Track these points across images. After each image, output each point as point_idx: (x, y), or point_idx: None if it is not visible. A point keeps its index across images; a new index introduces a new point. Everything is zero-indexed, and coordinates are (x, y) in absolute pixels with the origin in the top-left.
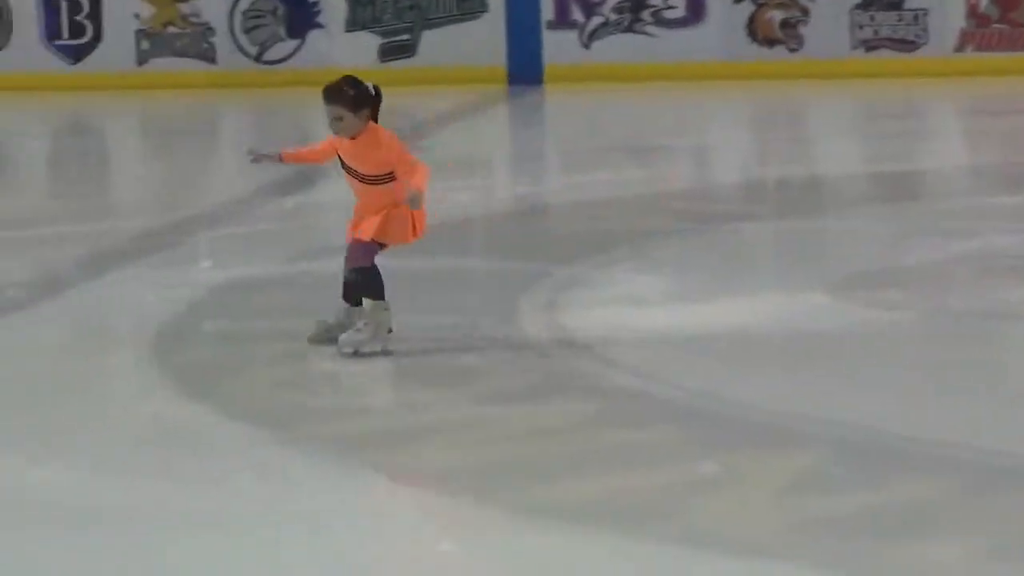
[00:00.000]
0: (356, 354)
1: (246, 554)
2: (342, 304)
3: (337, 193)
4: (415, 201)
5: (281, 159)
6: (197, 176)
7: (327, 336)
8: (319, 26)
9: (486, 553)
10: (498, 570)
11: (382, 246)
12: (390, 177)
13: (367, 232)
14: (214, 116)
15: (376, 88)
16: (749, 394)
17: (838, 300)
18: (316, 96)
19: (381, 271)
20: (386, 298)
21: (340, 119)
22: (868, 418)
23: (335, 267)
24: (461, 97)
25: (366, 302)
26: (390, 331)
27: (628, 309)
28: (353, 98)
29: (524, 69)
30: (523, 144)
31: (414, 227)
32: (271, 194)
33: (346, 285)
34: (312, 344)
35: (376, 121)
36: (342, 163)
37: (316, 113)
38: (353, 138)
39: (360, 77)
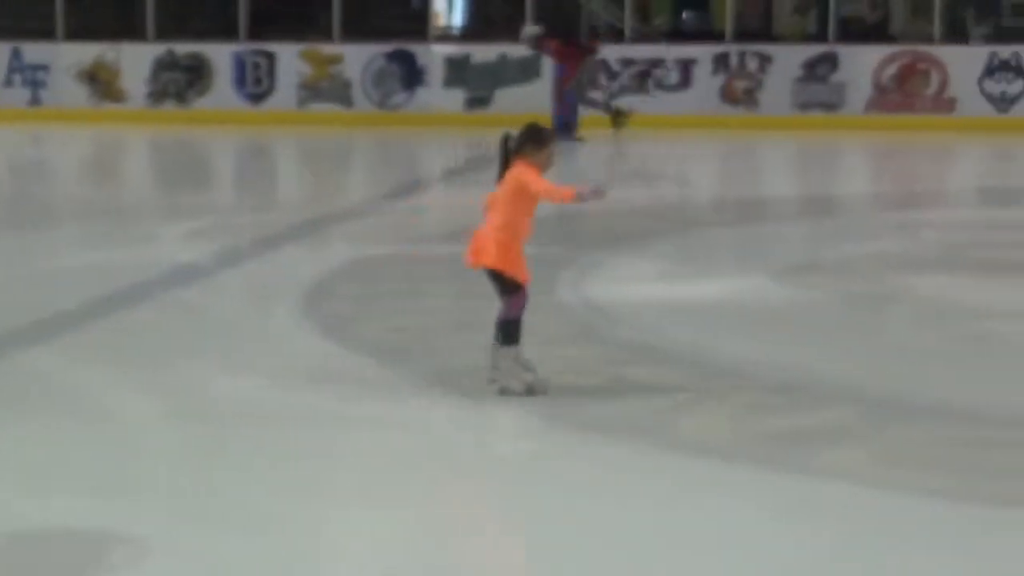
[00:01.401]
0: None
1: (362, 446)
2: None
3: (432, 200)
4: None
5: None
6: (338, 184)
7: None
8: (424, 84)
9: (534, 450)
10: (541, 465)
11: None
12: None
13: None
14: (350, 144)
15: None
16: (715, 345)
17: (776, 282)
18: (423, 132)
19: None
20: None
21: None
22: (798, 363)
23: (433, 250)
24: None
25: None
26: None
27: (630, 284)
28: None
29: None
30: (563, 171)
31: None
32: (387, 198)
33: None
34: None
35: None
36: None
37: (422, 143)
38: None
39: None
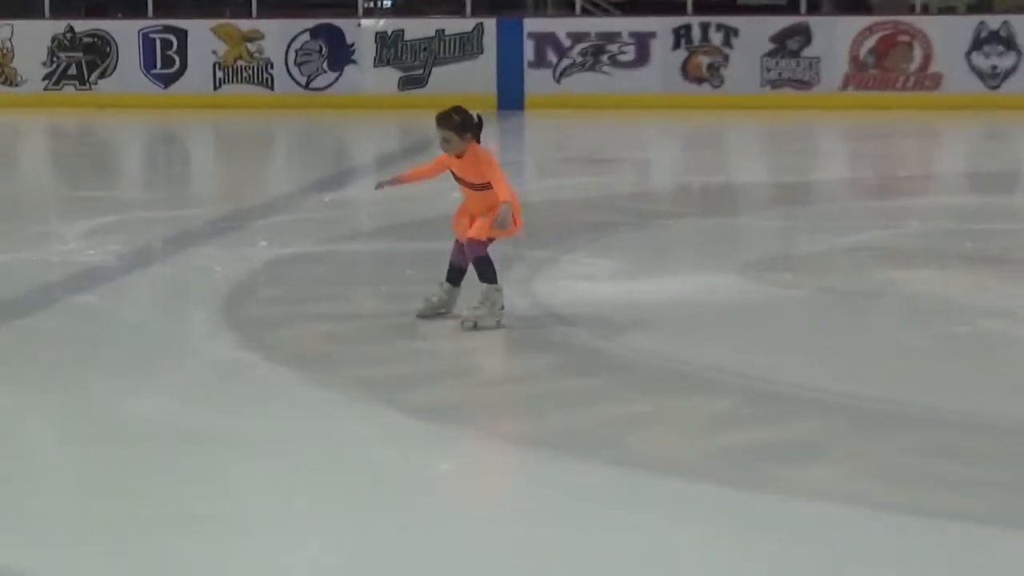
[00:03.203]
0: (475, 327)
1: (283, 470)
2: (446, 285)
3: (361, 192)
4: (503, 220)
5: (398, 181)
6: (256, 176)
7: (434, 312)
8: (353, 62)
9: (468, 469)
10: (477, 484)
11: (491, 239)
12: (489, 185)
13: (482, 232)
14: (271, 130)
15: (479, 116)
16: (677, 350)
17: (746, 279)
18: (351, 116)
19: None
20: (498, 281)
21: (448, 140)
22: (769, 370)
23: (364, 248)
24: None
25: (483, 285)
26: (502, 308)
27: (585, 284)
28: (459, 124)
29: (510, 98)
30: (509, 156)
31: (515, 223)
32: (312, 190)
33: (453, 269)
34: (420, 318)
35: (479, 142)
36: (454, 175)
37: (351, 129)
38: (459, 156)
39: (465, 107)
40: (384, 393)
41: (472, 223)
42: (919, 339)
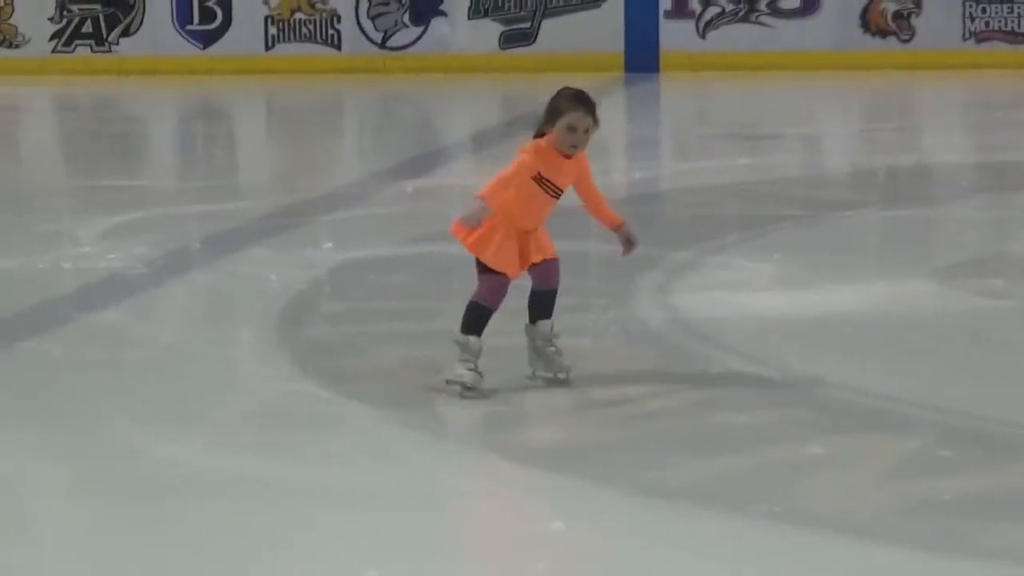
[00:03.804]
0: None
1: (350, 529)
2: (529, 327)
3: (454, 179)
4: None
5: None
6: (320, 160)
7: (549, 376)
8: (442, 13)
9: (599, 532)
10: (610, 548)
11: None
12: None
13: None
14: (339, 101)
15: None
16: (854, 379)
17: (943, 288)
18: (438, 82)
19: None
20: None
21: (588, 132)
22: (973, 404)
23: (450, 250)
24: (579, 84)
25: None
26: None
27: (738, 294)
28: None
29: (641, 57)
30: (639, 131)
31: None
32: (390, 178)
33: (543, 303)
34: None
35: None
36: (543, 181)
37: (438, 99)
38: (569, 156)
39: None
40: (486, 434)
41: (532, 245)
42: None
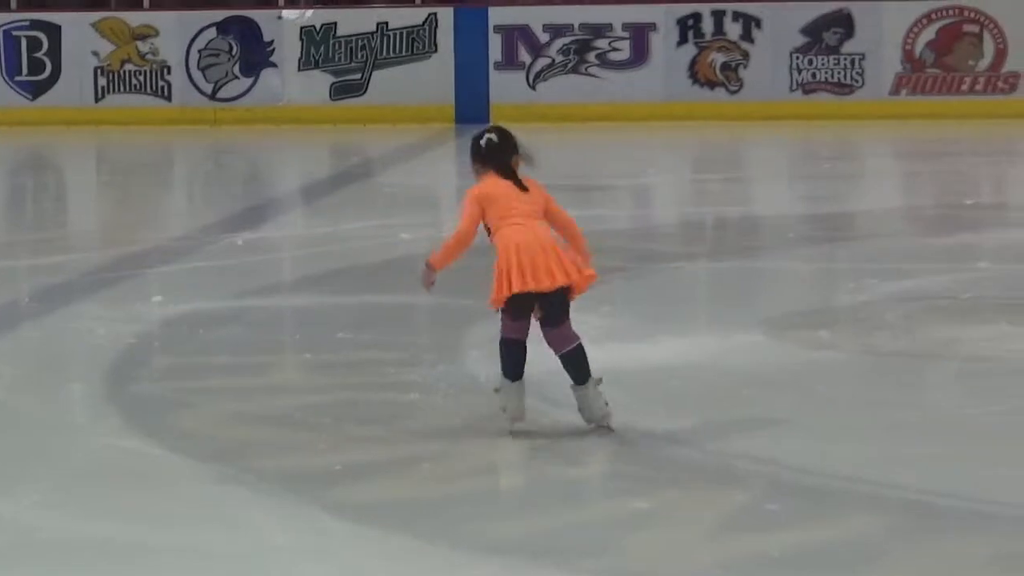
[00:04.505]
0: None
1: None
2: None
3: (284, 231)
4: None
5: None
6: (151, 212)
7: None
8: (272, 65)
9: None
10: None
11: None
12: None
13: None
14: (169, 153)
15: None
16: (684, 432)
17: (771, 340)
18: (269, 133)
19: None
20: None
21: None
22: (800, 457)
23: (286, 303)
24: (409, 135)
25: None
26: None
27: None
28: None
29: (471, 108)
30: (470, 182)
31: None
32: (220, 231)
33: (566, 369)
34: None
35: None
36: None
37: (269, 151)
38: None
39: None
40: (315, 490)
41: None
42: (989, 415)
